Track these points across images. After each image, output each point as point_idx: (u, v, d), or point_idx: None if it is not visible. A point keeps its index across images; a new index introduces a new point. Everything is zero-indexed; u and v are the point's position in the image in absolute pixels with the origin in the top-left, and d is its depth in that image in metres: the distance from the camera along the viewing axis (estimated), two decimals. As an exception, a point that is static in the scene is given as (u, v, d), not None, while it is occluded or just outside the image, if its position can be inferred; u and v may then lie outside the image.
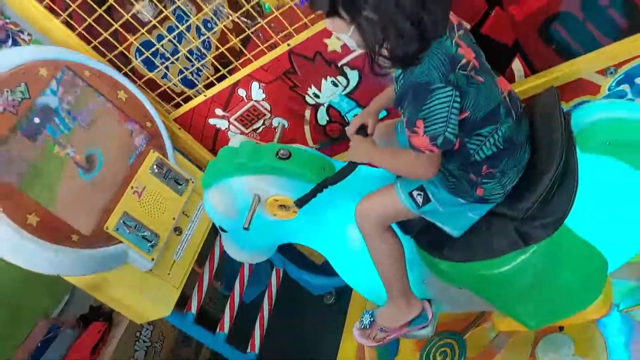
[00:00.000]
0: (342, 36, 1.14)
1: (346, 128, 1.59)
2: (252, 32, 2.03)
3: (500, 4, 1.64)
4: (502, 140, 1.24)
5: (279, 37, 1.93)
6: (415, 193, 1.36)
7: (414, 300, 1.58)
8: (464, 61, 1.13)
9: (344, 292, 2.51)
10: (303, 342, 2.64)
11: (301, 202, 1.49)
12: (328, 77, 1.99)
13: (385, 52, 1.10)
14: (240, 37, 2.01)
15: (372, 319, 1.64)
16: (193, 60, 2.16)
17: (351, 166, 1.43)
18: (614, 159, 1.34)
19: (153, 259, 1.97)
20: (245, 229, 1.48)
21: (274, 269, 2.58)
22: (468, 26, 1.22)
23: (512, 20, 1.67)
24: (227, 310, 2.35)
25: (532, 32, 1.68)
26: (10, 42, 2.04)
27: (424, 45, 1.08)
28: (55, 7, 1.99)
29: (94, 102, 2.02)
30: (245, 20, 2.19)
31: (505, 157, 1.26)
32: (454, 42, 1.14)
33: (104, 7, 1.96)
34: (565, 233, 1.34)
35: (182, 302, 2.22)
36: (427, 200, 1.35)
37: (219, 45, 2.11)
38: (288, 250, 2.58)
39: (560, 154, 1.29)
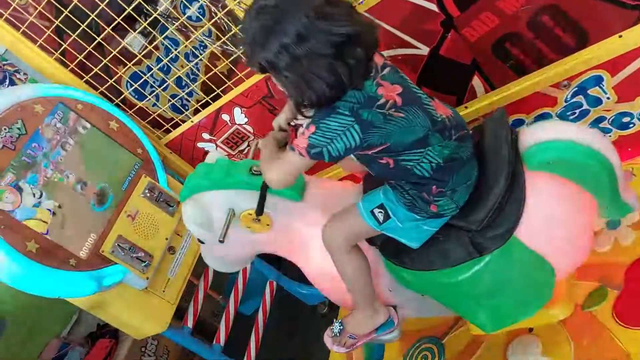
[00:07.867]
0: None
1: None
2: (236, 57, 2.15)
3: (454, 27, 1.74)
4: (441, 158, 1.32)
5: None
6: (376, 211, 1.45)
7: (380, 308, 1.65)
8: (382, 100, 1.23)
9: (336, 302, 2.59)
10: (298, 350, 2.71)
11: (258, 210, 1.56)
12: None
13: (306, 101, 1.21)
14: (224, 63, 2.12)
15: (341, 327, 1.71)
16: (182, 86, 2.29)
17: None
18: (556, 175, 1.40)
19: (147, 278, 2.06)
20: (220, 241, 1.55)
21: (268, 282, 2.65)
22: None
23: (467, 41, 1.76)
24: (222, 322, 2.42)
25: (487, 51, 1.78)
26: (7, 82, 2.19)
27: (339, 94, 1.20)
28: (48, 47, 2.13)
29: (87, 134, 2.14)
30: (229, 47, 2.32)
31: (449, 174, 1.35)
32: (374, 82, 1.24)
33: (94, 44, 2.10)
34: (515, 244, 1.41)
35: (181, 315, 2.32)
36: (387, 217, 1.44)
37: (210, 65, 2.24)
38: (281, 264, 2.69)
39: (507, 169, 1.38)
